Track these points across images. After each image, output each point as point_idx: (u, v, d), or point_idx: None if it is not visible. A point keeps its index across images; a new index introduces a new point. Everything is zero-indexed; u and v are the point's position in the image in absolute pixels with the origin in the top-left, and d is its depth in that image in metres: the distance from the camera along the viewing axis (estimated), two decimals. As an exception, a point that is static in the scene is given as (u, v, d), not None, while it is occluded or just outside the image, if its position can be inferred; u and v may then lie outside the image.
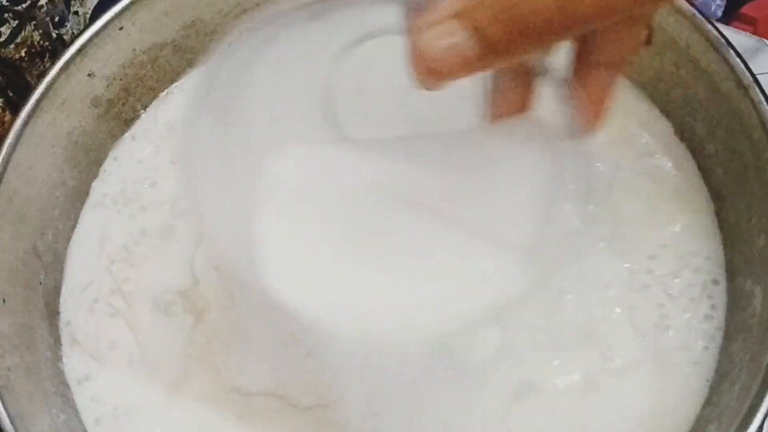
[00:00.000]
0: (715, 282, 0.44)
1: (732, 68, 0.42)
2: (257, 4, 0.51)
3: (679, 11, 0.44)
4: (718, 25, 0.44)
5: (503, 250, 0.32)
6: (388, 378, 0.42)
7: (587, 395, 0.42)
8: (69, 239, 0.47)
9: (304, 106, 0.34)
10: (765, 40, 0.58)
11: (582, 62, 0.31)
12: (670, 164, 0.47)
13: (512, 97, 0.32)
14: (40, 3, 0.53)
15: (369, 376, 0.42)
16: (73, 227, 0.47)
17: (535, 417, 0.42)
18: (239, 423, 0.43)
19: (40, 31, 0.53)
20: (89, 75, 0.46)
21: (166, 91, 0.51)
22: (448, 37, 0.26)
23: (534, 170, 0.33)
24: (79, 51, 0.45)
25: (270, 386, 0.43)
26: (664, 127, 0.48)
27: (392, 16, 0.29)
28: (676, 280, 0.44)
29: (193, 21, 0.49)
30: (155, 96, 0.50)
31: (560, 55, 0.31)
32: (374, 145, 0.34)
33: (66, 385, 0.44)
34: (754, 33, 0.60)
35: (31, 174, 0.44)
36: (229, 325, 0.45)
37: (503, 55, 0.26)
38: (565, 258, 0.32)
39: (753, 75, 0.42)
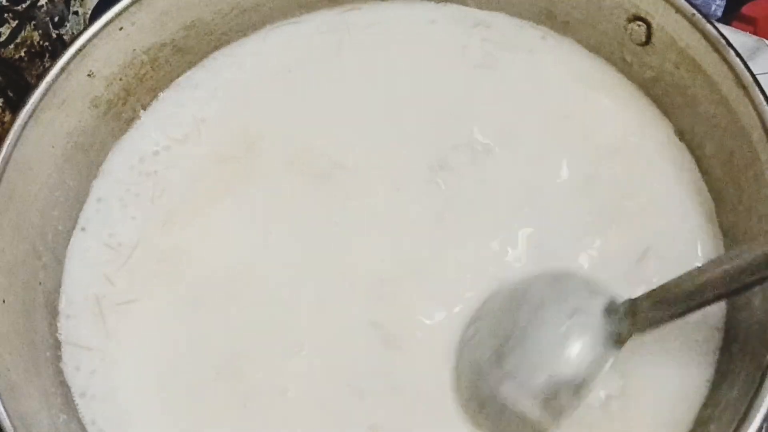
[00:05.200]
0: (715, 282, 0.44)
1: (732, 68, 0.42)
2: (257, 5, 0.51)
3: (679, 11, 0.44)
4: (718, 25, 0.44)
5: None
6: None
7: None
8: (69, 239, 0.47)
9: None
10: (765, 40, 0.58)
11: None
12: (669, 164, 0.47)
13: None
14: (40, 3, 0.53)
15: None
16: (73, 227, 0.47)
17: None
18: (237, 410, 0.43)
19: (40, 31, 0.53)
20: (89, 75, 0.46)
21: (166, 91, 0.51)
22: None
23: None
24: (79, 51, 0.45)
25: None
26: (664, 127, 0.48)
27: None
28: (676, 280, 0.44)
29: (193, 21, 0.49)
30: (155, 96, 0.50)
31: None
32: None
33: (66, 385, 0.44)
34: (754, 33, 0.60)
35: (31, 174, 0.44)
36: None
37: None
38: None
39: (753, 75, 0.42)
